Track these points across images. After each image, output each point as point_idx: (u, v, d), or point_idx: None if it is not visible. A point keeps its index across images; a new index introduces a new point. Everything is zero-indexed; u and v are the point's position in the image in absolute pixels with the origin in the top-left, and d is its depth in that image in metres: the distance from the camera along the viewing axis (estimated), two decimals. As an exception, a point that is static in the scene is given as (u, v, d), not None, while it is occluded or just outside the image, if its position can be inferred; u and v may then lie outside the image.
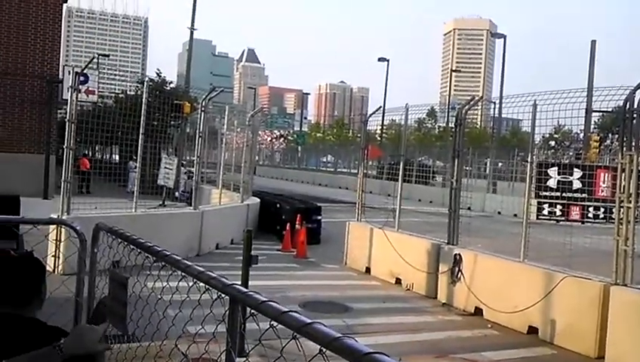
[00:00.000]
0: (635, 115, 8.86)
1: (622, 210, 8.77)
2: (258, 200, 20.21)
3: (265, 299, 2.00)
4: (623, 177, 8.86)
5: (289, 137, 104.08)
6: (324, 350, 1.69)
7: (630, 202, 8.63)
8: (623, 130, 9.16)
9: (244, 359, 2.57)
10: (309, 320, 1.79)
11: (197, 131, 16.05)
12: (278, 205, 19.49)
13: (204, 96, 16.45)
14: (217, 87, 17.85)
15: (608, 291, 8.52)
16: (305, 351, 2.09)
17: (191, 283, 2.64)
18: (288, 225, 16.66)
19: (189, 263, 2.72)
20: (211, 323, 2.57)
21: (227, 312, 2.37)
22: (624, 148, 8.89)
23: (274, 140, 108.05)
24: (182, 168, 21.03)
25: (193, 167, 17.17)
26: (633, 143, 8.90)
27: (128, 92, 30.48)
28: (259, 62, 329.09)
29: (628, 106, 8.80)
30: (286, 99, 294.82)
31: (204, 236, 14.78)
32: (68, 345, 2.17)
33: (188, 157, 26.12)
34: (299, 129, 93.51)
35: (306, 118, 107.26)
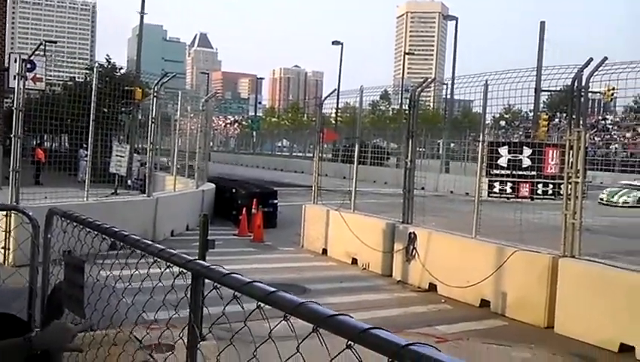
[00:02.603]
0: (582, 93, 9.17)
1: (570, 185, 9.09)
2: (213, 185, 20.10)
3: (228, 272, 2.04)
4: (571, 154, 9.16)
5: (243, 122, 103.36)
6: (288, 316, 1.74)
7: (578, 177, 8.95)
8: (571, 108, 9.47)
9: (202, 342, 2.62)
10: (272, 289, 1.84)
11: (149, 117, 15.82)
12: (233, 190, 19.43)
13: (155, 82, 16.20)
14: (169, 72, 17.56)
15: (557, 263, 8.85)
16: (256, 332, 2.15)
17: (151, 264, 2.64)
18: (244, 209, 16.64)
19: (149, 242, 2.73)
20: (173, 305, 2.59)
21: (189, 288, 2.39)
22: (572, 126, 9.19)
23: (228, 126, 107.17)
24: (135, 155, 20.68)
25: (146, 154, 16.93)
26: (581, 121, 9.22)
27: (77, 79, 29.70)
28: (211, 47, 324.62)
29: (576, 84, 9.09)
30: (240, 84, 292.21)
31: (158, 223, 14.63)
32: (39, 339, 2.16)
33: (141, 145, 25.72)
34: (253, 114, 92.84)
35: (260, 103, 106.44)
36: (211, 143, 60.81)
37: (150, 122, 15.42)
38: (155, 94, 15.55)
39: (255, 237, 15.70)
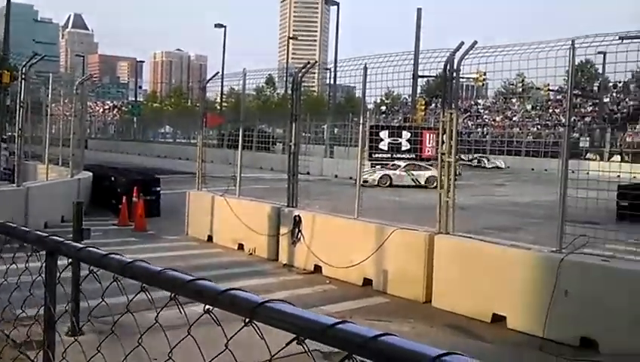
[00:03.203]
0: (454, 76, 9.60)
1: (443, 165, 9.52)
2: (90, 174, 19.16)
3: (82, 246, 1.92)
4: (444, 134, 9.58)
5: (123, 108, 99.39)
6: (146, 287, 1.66)
7: (451, 157, 9.38)
8: (444, 91, 9.90)
9: (75, 338, 2.48)
10: (129, 259, 1.75)
11: (17, 102, 14.79)
12: (112, 178, 18.64)
13: (24, 64, 15.15)
14: (40, 54, 16.44)
15: (433, 240, 9.26)
16: (139, 323, 2.05)
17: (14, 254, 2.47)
18: (125, 198, 16.00)
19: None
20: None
21: (42, 266, 2.25)
22: (445, 108, 9.61)
23: (107, 111, 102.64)
24: (1, 143, 19.30)
25: (15, 141, 15.84)
26: (453, 103, 9.67)
27: None
28: (87, 29, 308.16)
29: (448, 68, 9.50)
30: (119, 67, 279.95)
31: (30, 215, 13.76)
32: None
33: (10, 133, 24.03)
34: (134, 99, 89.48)
35: (141, 88, 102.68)
36: (88, 130, 58.03)
37: (18, 107, 14.42)
38: (24, 77, 14.54)
39: (137, 226, 15.17)
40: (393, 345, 1.18)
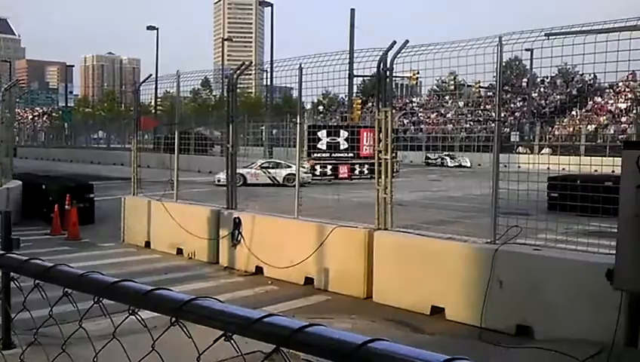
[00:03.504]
0: (387, 75, 9.72)
1: (380, 162, 9.63)
2: (20, 182, 18.43)
3: (28, 259, 1.83)
4: (380, 132, 9.69)
5: (54, 114, 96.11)
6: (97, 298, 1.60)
7: (387, 154, 9.50)
8: (378, 90, 10.01)
9: (13, 350, 2.37)
10: (81, 271, 1.68)
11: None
12: (43, 186, 17.98)
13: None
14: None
15: (372, 236, 9.36)
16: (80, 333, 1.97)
17: None
18: (57, 206, 15.47)
19: None
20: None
21: None
22: (380, 106, 9.72)
23: (37, 118, 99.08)
24: None
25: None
26: (387, 101, 9.79)
27: None
28: (13, 34, 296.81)
29: (382, 67, 9.61)
30: (48, 72, 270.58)
31: (-44, 227, 13.11)
32: None
33: None
34: (64, 105, 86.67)
35: (71, 93, 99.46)
36: (17, 138, 55.85)
37: (-63, 115, 13.73)
38: (-58, 83, 13.85)
39: (70, 234, 14.70)
40: (320, 334, 1.18)
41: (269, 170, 27.03)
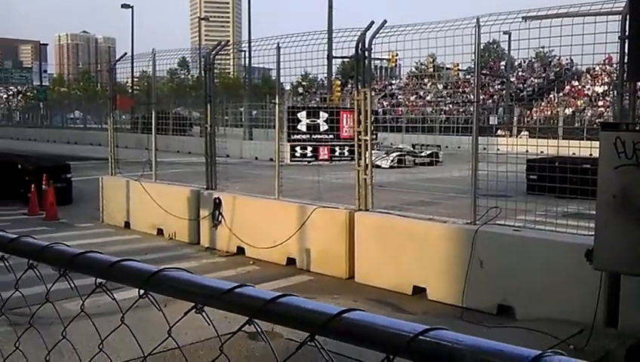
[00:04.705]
0: (366, 56, 9.68)
1: (360, 143, 9.63)
2: (-5, 162, 18.14)
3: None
4: (359, 114, 9.68)
5: (28, 93, 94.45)
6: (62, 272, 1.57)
7: (367, 135, 9.50)
8: (357, 70, 9.97)
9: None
10: (45, 243, 1.63)
11: None
12: (19, 166, 17.70)
13: None
14: None
15: (353, 217, 9.38)
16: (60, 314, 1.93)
17: None
18: (34, 186, 15.25)
19: None
20: None
21: None
22: (359, 87, 9.70)
23: (11, 97, 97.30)
24: None
25: None
26: (366, 82, 9.76)
27: None
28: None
29: (360, 47, 9.56)
30: (21, 51, 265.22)
31: None
32: None
33: None
34: (39, 84, 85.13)
35: (46, 72, 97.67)
36: (-10, 117, 54.73)
37: None
38: None
39: (48, 215, 14.51)
40: (294, 305, 1.15)
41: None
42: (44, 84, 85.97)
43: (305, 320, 1.13)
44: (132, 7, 56.12)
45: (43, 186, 15.14)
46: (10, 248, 1.65)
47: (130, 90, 45.29)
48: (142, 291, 1.37)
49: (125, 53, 15.47)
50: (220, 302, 1.23)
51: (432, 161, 26.03)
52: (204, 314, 1.29)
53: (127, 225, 13.43)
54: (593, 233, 6.51)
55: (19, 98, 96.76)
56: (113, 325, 1.74)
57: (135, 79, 48.44)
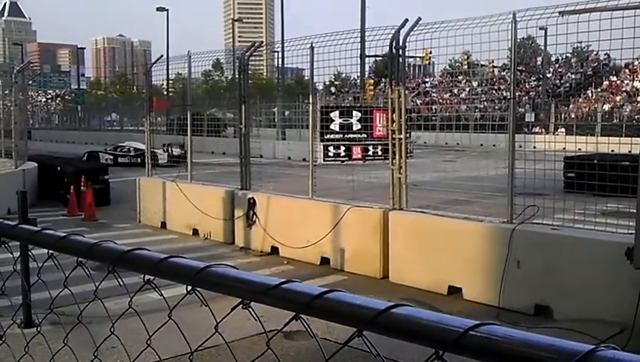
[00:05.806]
0: (400, 54, 9.63)
1: (394, 142, 9.58)
2: (35, 164, 18.56)
3: (38, 229, 1.83)
4: (393, 112, 9.63)
5: (67, 97, 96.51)
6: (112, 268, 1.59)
7: (401, 133, 9.44)
8: (391, 69, 9.92)
9: (35, 329, 2.38)
10: (93, 241, 1.66)
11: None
12: (59, 168, 18.10)
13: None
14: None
15: (387, 216, 9.34)
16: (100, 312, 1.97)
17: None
18: (73, 187, 15.58)
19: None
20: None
21: None
22: (393, 85, 9.65)
23: (50, 101, 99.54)
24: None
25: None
26: (400, 81, 9.70)
27: None
28: (24, 17, 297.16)
29: (394, 45, 9.52)
30: (59, 55, 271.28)
31: (-27, 208, 13.26)
32: None
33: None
34: (77, 87, 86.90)
35: (83, 76, 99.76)
36: (31, 120, 56.10)
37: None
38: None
39: (86, 215, 14.81)
40: (341, 300, 1.14)
41: None
42: (81, 87, 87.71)
43: (352, 316, 1.12)
44: (167, 10, 56.93)
45: (82, 188, 15.46)
46: (58, 246, 1.68)
47: (165, 92, 45.85)
48: (189, 287, 1.39)
49: (161, 56, 15.69)
50: (268, 297, 1.23)
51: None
52: (250, 309, 1.30)
53: (163, 225, 13.62)
54: (633, 231, 6.37)
55: (57, 101, 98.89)
56: (152, 323, 1.77)
57: (170, 81, 49.04)
